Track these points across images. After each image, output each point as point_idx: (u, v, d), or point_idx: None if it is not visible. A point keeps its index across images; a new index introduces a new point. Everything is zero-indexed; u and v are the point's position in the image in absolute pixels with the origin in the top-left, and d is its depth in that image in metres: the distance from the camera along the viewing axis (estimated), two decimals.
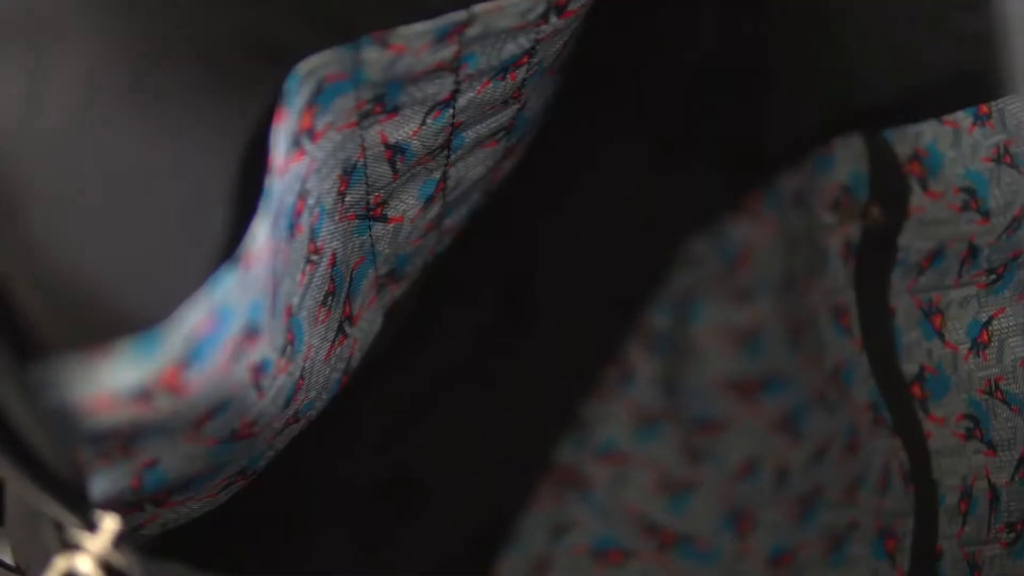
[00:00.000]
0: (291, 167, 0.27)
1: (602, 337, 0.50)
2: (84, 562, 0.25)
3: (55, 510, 0.24)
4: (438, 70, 0.30)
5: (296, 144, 0.27)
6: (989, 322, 0.34)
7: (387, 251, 0.35)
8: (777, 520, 0.44)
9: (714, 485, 0.46)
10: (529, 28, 0.31)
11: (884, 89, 0.39)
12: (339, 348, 0.34)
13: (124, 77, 0.22)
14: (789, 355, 0.47)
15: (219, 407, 0.27)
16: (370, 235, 0.34)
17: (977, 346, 0.34)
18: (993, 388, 0.34)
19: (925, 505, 0.37)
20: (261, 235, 0.25)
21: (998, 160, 0.35)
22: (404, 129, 0.31)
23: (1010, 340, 0.33)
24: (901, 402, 0.38)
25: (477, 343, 0.49)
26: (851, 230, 0.40)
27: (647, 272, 0.50)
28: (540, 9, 0.31)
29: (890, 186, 0.38)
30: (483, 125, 0.34)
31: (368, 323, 0.36)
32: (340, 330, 0.34)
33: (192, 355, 0.24)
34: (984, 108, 0.35)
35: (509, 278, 0.49)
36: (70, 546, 0.25)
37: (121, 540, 0.25)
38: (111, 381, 0.23)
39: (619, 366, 0.49)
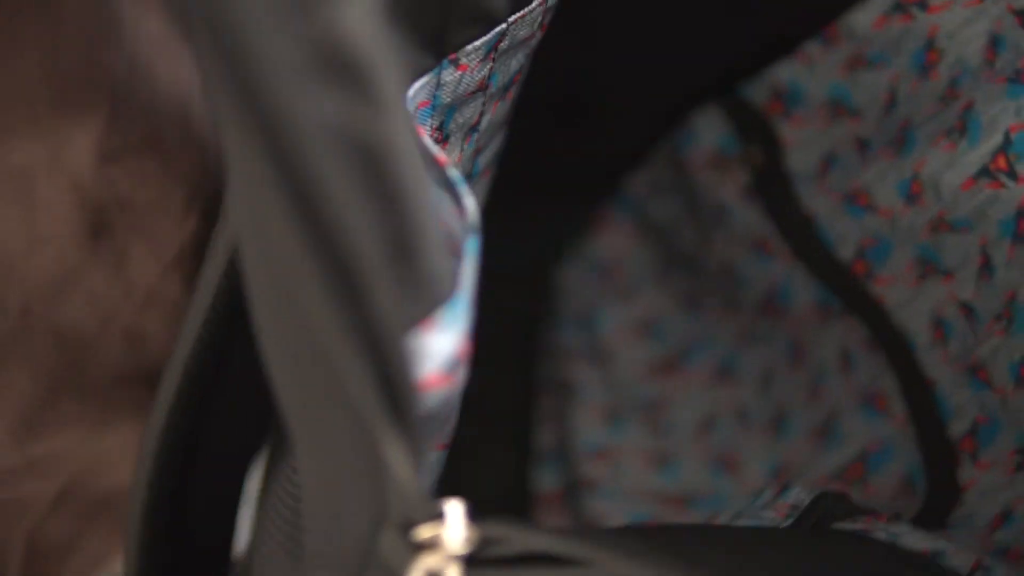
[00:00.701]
0: None
1: (528, 373, 0.54)
2: (437, 559, 0.24)
3: (412, 502, 0.23)
4: (477, 91, 0.33)
5: None
6: (916, 175, 0.42)
7: None
8: (757, 448, 0.49)
9: (688, 449, 0.51)
10: (530, 40, 0.35)
11: (727, 53, 0.47)
12: None
13: None
14: (693, 323, 0.53)
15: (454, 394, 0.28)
16: None
17: (912, 199, 0.42)
18: (937, 223, 0.41)
19: (899, 355, 0.44)
20: (473, 206, 0.27)
21: (851, 68, 0.44)
22: (451, 158, 0.34)
23: (944, 177, 0.41)
24: (846, 283, 0.45)
25: None
26: (739, 177, 0.48)
27: (537, 306, 0.55)
28: (539, 18, 0.35)
29: (758, 133, 0.46)
30: (488, 150, 0.37)
31: None
32: None
33: (468, 317, 0.25)
34: (832, 30, 0.44)
35: None
36: (417, 548, 0.24)
37: (472, 519, 0.24)
38: (438, 354, 0.24)
39: (561, 386, 0.53)
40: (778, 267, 0.47)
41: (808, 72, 0.45)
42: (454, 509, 0.24)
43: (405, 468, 0.23)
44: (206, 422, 0.36)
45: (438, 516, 0.24)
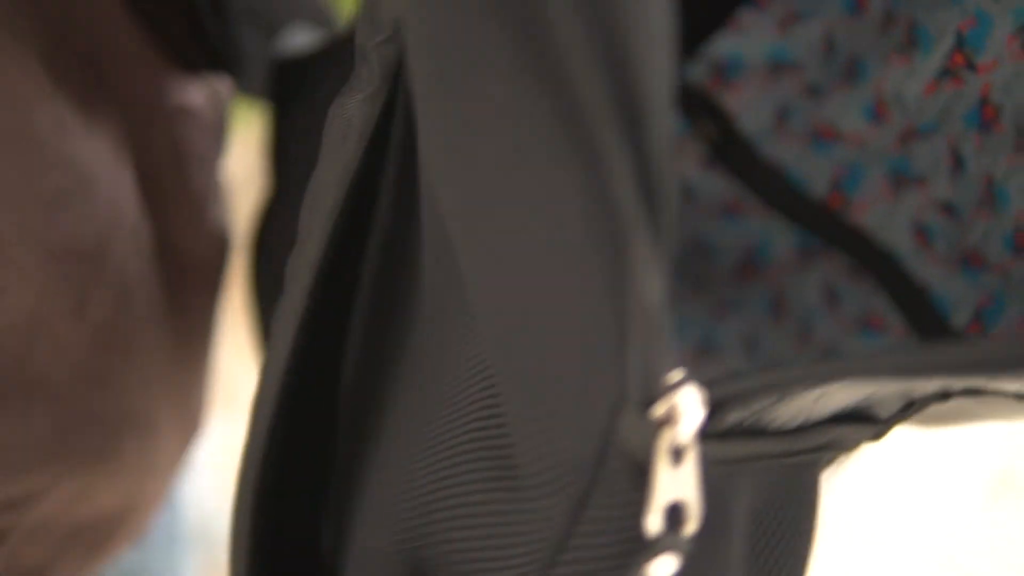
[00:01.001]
0: None
1: None
2: (676, 435, 0.23)
3: (655, 355, 0.23)
4: None
5: None
6: (878, 96, 0.46)
7: None
8: None
9: None
10: None
11: None
12: None
13: None
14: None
15: None
16: None
17: (878, 118, 0.46)
18: (906, 135, 0.46)
19: (886, 273, 0.47)
20: None
21: (784, 26, 0.48)
22: None
23: (906, 88, 0.45)
24: (824, 221, 0.48)
25: None
26: (695, 152, 0.51)
27: None
28: None
29: (705, 110, 0.50)
30: None
31: None
32: None
33: None
34: None
35: None
36: (658, 425, 0.23)
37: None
38: None
39: None
40: (752, 224, 0.50)
41: (743, 39, 0.49)
42: (686, 375, 0.23)
43: (653, 295, 0.23)
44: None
45: (670, 388, 0.23)
